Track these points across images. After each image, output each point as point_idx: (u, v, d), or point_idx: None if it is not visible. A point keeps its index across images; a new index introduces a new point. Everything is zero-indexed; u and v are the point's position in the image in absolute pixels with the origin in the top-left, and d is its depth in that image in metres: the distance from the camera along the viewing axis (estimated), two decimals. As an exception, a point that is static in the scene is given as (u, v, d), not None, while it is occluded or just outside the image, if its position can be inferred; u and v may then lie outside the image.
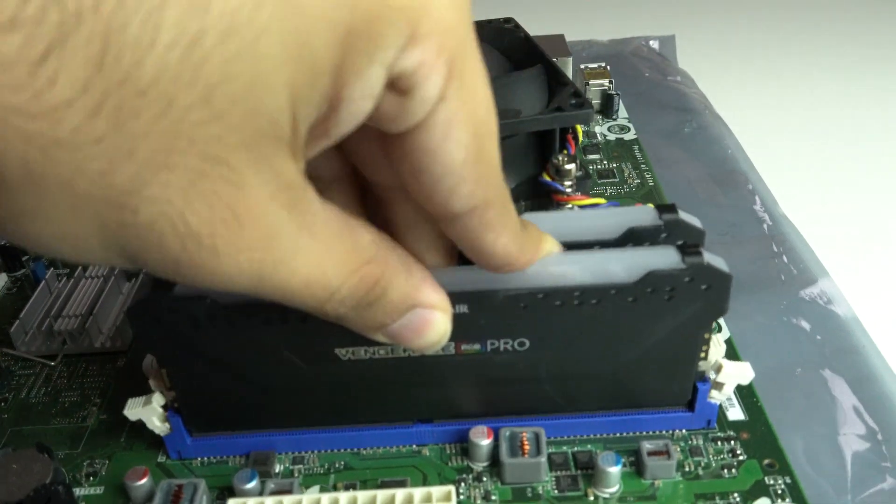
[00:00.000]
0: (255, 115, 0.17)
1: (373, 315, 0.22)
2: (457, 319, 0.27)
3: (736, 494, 0.28)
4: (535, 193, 0.37)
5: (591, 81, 0.56)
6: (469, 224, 0.22)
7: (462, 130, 0.20)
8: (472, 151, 0.21)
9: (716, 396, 0.30)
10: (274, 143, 0.17)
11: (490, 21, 0.46)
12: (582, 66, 0.57)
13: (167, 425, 0.30)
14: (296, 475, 0.30)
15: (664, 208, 0.29)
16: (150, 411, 0.30)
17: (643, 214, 0.29)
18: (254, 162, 0.17)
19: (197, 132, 0.16)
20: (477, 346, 0.28)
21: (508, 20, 0.46)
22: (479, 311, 0.27)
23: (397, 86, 0.19)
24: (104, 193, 0.16)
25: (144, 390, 0.30)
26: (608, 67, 0.57)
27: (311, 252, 0.20)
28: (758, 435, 0.31)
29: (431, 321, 0.24)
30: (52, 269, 0.42)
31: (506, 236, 0.23)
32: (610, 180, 0.48)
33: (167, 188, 0.16)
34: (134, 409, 0.30)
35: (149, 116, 0.15)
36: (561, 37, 0.57)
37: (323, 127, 0.19)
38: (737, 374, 0.29)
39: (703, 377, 0.30)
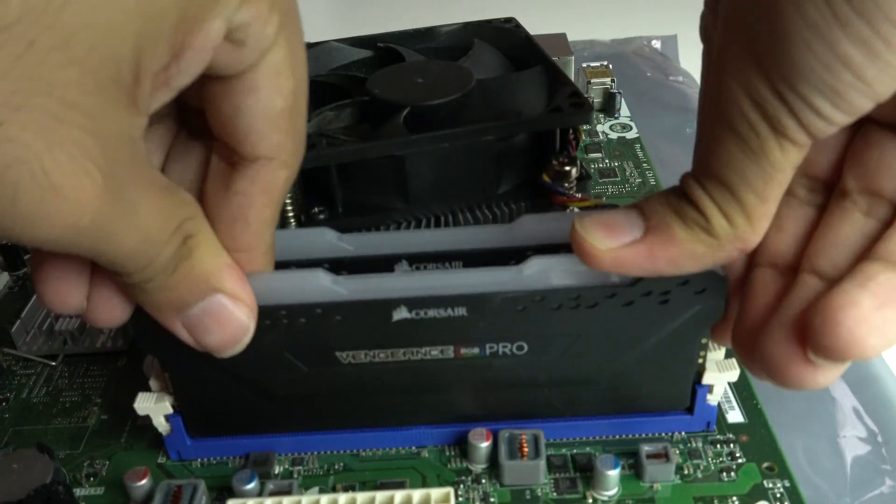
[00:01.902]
0: (107, 62, 0.17)
1: (175, 284, 0.22)
2: (455, 322, 0.27)
3: (735, 498, 0.28)
4: (534, 195, 0.37)
5: (593, 80, 0.56)
6: (258, 176, 0.23)
7: (286, 78, 0.22)
8: (290, 104, 0.23)
9: (709, 399, 0.30)
10: (119, 93, 0.18)
11: (490, 21, 0.46)
12: (584, 65, 0.57)
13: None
14: (295, 476, 0.30)
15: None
16: (160, 409, 0.30)
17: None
18: (107, 108, 0.18)
19: (56, 76, 0.16)
20: (476, 350, 0.28)
21: (509, 20, 0.46)
22: (477, 314, 0.27)
23: (233, 37, 0.20)
24: None
25: (145, 391, 0.30)
26: (610, 66, 0.57)
27: (149, 212, 0.20)
28: (757, 437, 0.31)
29: (234, 312, 0.23)
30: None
31: (270, 213, 0.24)
32: (611, 179, 0.48)
33: (25, 130, 0.16)
34: (144, 404, 0.30)
35: (9, 54, 0.16)
36: (563, 35, 0.56)
37: (164, 76, 0.20)
38: (721, 375, 0.29)
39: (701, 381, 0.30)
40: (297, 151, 0.24)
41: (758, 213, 0.21)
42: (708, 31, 0.24)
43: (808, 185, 0.24)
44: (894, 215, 0.21)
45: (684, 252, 0.22)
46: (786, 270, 0.23)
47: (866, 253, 0.21)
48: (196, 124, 0.25)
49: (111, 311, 0.24)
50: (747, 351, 0.23)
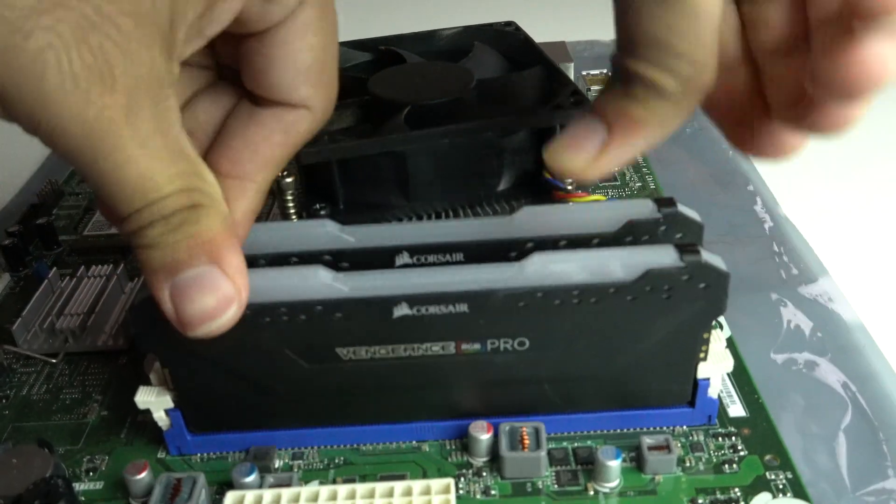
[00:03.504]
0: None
1: (175, 241, 0.22)
2: (457, 319, 0.27)
3: (737, 489, 0.28)
4: (535, 191, 0.38)
5: (594, 87, 0.56)
6: (282, 115, 0.25)
7: (314, 34, 0.24)
8: (318, 59, 0.25)
9: (709, 391, 0.30)
10: (153, 29, 0.20)
11: (491, 24, 0.46)
12: (584, 73, 0.57)
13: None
14: (295, 470, 0.30)
15: (663, 201, 0.29)
16: (160, 403, 0.30)
17: (642, 207, 0.29)
18: (138, 35, 0.20)
19: None
20: (477, 346, 0.28)
21: (509, 23, 0.46)
22: (478, 311, 0.27)
23: None
24: (1, 13, 0.18)
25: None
26: (610, 74, 0.57)
27: (158, 151, 0.21)
28: (759, 431, 0.31)
29: (222, 289, 0.23)
30: (55, 268, 0.42)
31: (280, 153, 0.26)
32: (611, 183, 0.48)
33: (61, 23, 0.18)
34: (145, 398, 0.30)
35: None
36: (562, 43, 0.57)
37: (197, 26, 0.22)
38: (716, 367, 0.29)
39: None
40: (326, 105, 0.26)
41: (699, 52, 0.21)
42: None
43: None
44: None
45: (654, 124, 0.22)
46: (795, 44, 0.22)
47: None
48: (230, 77, 0.26)
49: None
50: (804, 112, 0.22)
